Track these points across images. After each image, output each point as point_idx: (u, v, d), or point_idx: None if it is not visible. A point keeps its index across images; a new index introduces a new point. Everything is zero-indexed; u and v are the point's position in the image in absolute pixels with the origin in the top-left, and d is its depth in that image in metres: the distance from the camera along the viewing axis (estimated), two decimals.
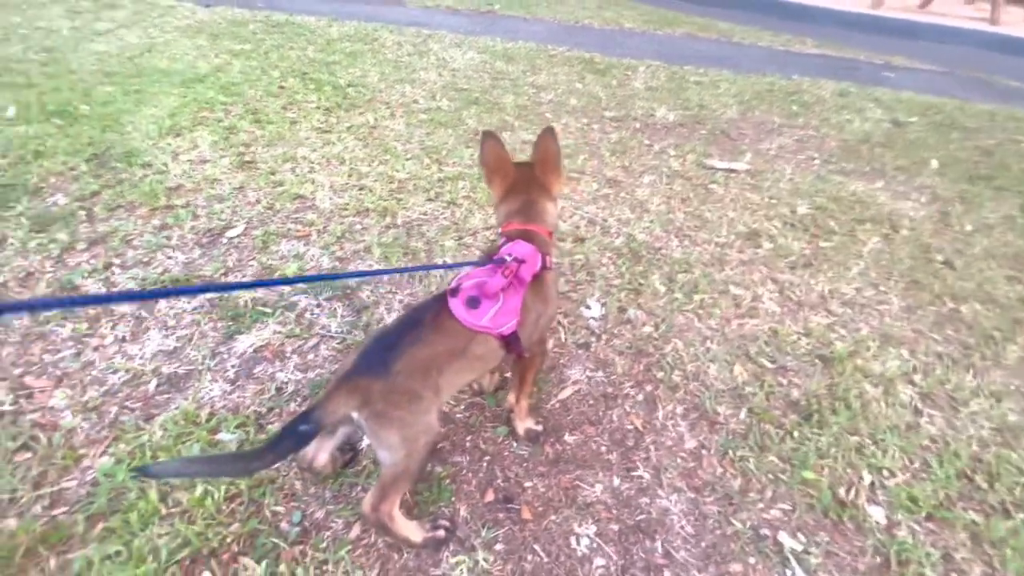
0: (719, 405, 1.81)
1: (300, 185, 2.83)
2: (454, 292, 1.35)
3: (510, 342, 1.41)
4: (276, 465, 1.45)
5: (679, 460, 1.64)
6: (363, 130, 3.53)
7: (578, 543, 1.41)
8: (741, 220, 2.88)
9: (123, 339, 1.89)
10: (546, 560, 1.37)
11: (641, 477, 1.59)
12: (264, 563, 1.28)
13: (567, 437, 1.68)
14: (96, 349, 1.85)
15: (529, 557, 1.37)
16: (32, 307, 0.80)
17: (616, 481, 1.57)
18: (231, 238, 2.42)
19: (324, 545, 1.34)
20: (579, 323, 2.11)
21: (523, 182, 1.53)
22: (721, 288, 2.36)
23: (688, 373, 1.92)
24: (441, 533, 1.37)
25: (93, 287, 2.09)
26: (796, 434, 1.73)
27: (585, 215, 2.81)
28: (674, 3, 9.13)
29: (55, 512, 1.37)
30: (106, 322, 1.95)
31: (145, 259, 2.25)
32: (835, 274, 2.52)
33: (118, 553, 1.27)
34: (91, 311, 1.98)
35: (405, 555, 1.34)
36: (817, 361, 2.02)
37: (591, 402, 1.81)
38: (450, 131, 3.63)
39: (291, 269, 2.25)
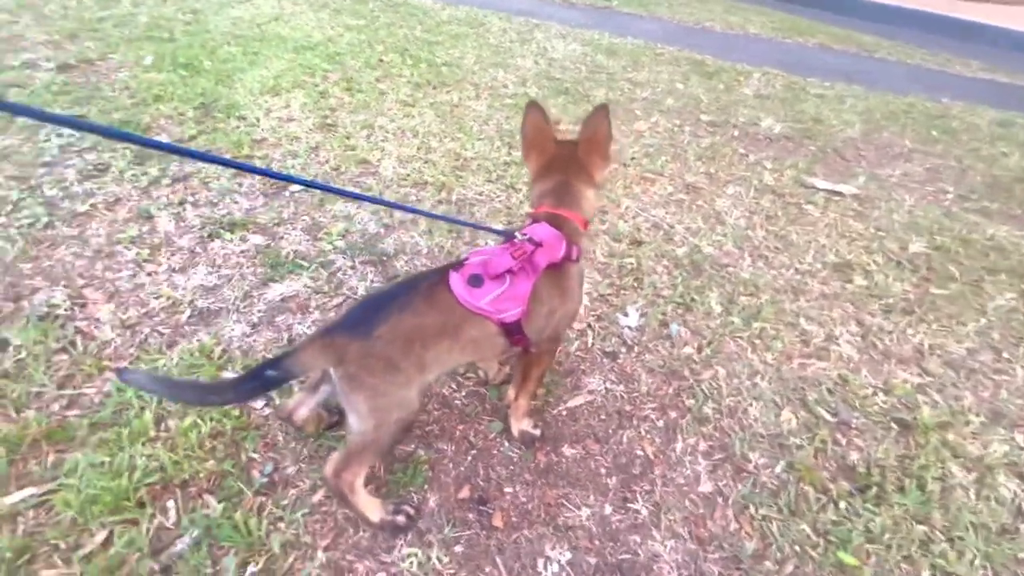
0: (752, 451, 1.55)
1: (369, 152, 2.88)
2: (458, 266, 1.25)
3: (512, 332, 1.28)
4: (234, 404, 1.45)
5: (687, 503, 1.42)
6: (445, 107, 3.54)
7: (546, 567, 1.26)
8: (834, 248, 2.49)
9: (174, 269, 2.01)
10: (505, 574, 1.23)
11: (637, 512, 1.39)
12: (223, 505, 1.27)
13: (565, 449, 1.52)
14: (149, 274, 1.98)
15: (487, 569, 1.24)
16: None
17: (607, 509, 1.39)
18: (293, 192, 2.51)
19: (285, 502, 1.31)
20: (612, 330, 1.92)
21: (562, 161, 1.39)
22: (790, 320, 2.04)
23: (724, 407, 1.67)
24: (401, 519, 1.28)
25: (164, 219, 2.25)
26: (843, 505, 1.43)
27: (651, 218, 2.58)
28: (813, 12, 8.31)
29: (68, 413, 1.46)
30: (166, 252, 2.09)
31: (215, 201, 2.40)
32: (942, 327, 2.09)
33: (102, 463, 1.32)
34: (156, 240, 2.13)
35: (361, 532, 1.28)
36: (893, 425, 1.67)
37: (603, 417, 1.63)
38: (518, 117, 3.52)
39: (337, 228, 2.28)
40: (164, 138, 2.81)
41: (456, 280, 1.22)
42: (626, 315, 1.97)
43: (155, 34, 4.19)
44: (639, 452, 1.53)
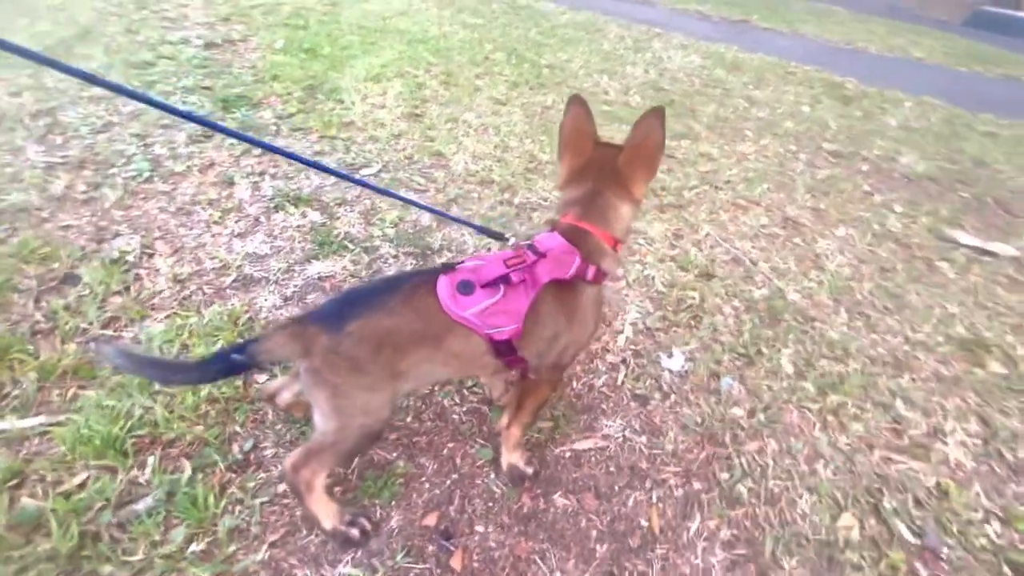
0: (788, 556, 1.23)
1: (446, 144, 2.85)
2: (451, 269, 1.12)
3: (503, 351, 1.13)
4: (197, 384, 1.42)
5: None
6: (535, 109, 3.43)
7: None
8: (967, 320, 1.99)
9: (236, 234, 2.11)
10: None
11: None
12: (193, 473, 1.26)
13: (558, 498, 1.33)
14: (214, 235, 2.09)
15: None
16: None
17: None
18: (362, 175, 2.54)
19: (251, 485, 1.27)
20: (649, 370, 1.67)
21: (597, 167, 1.20)
22: (882, 400, 1.64)
23: (764, 492, 1.36)
24: (355, 533, 1.18)
25: (243, 187, 2.38)
26: None
27: (732, 251, 2.25)
28: (1005, 40, 7.02)
29: None
30: (235, 216, 2.20)
31: (291, 176, 2.50)
32: None
33: (108, 407, 1.38)
34: (229, 205, 2.25)
35: (312, 536, 1.19)
36: (1006, 571, 1.25)
37: (611, 469, 1.40)
38: (624, 128, 3.29)
39: (392, 216, 2.26)
40: (267, 112, 3.01)
41: (444, 284, 1.09)
42: (670, 356, 1.70)
43: (292, 22, 4.57)
44: (643, 522, 1.29)
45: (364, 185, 1.31)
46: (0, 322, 1.59)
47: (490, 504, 1.30)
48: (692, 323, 1.86)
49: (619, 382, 1.63)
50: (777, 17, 7.32)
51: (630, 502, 1.33)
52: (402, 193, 2.43)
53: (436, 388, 1.55)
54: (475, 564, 1.18)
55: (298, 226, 2.18)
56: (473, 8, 5.75)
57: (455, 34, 4.76)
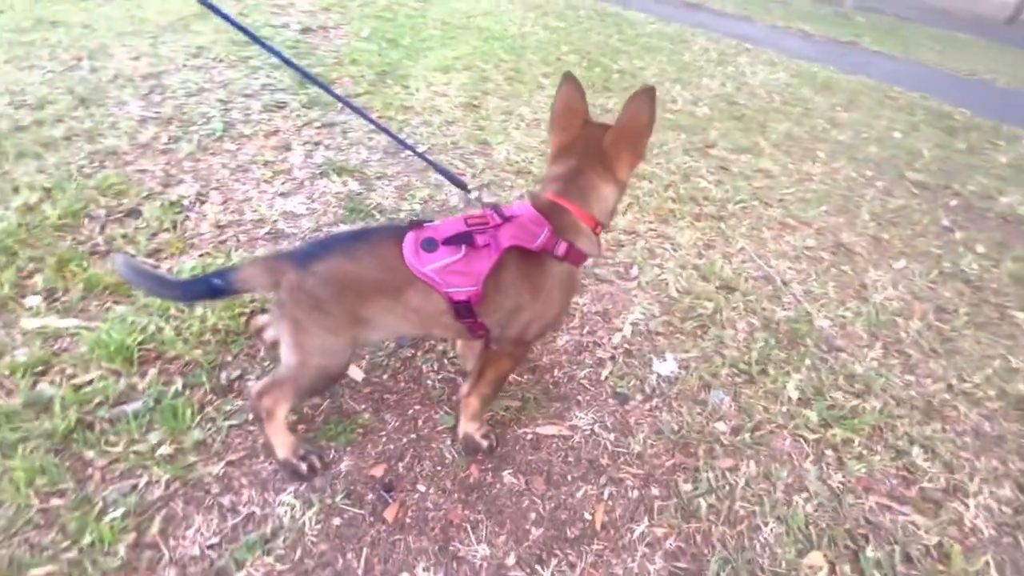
0: None
1: (494, 135, 2.91)
2: (418, 225, 1.15)
3: (463, 313, 1.14)
4: (180, 301, 1.55)
5: None
6: (595, 110, 3.39)
7: None
8: None
9: (280, 193, 2.29)
10: (359, 571, 1.10)
11: None
12: (182, 389, 1.38)
13: (507, 475, 1.31)
14: (261, 192, 2.28)
15: (348, 556, 1.12)
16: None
17: (510, 560, 1.15)
18: (407, 156, 2.66)
19: (227, 408, 1.37)
20: (637, 371, 1.60)
21: (582, 145, 1.19)
22: (897, 444, 1.46)
23: (725, 512, 1.26)
24: (303, 467, 1.24)
25: (297, 153, 2.57)
26: None
27: (764, 268, 2.11)
28: None
29: None
30: (283, 178, 2.39)
31: (343, 148, 2.66)
32: None
33: (132, 322, 1.54)
34: (282, 167, 2.44)
35: (267, 463, 1.27)
36: None
37: (570, 459, 1.36)
38: (683, 136, 3.19)
39: (423, 193, 2.35)
40: (338, 91, 3.22)
41: (410, 239, 1.12)
42: (663, 360, 1.63)
43: (384, 15, 4.86)
44: (587, 515, 1.24)
45: (340, 99, 1.29)
46: (69, 239, 1.84)
47: (438, 468, 1.31)
48: (698, 332, 1.76)
49: (602, 377, 1.58)
50: (892, 40, 6.74)
51: (579, 494, 1.28)
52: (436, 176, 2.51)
53: (417, 352, 1.59)
54: (407, 519, 1.20)
55: (336, 193, 2.32)
56: (559, 12, 5.81)
57: (534, 34, 4.84)
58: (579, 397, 1.52)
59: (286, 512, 1.17)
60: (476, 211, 1.18)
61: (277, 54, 1.22)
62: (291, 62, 1.24)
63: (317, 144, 2.67)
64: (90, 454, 1.22)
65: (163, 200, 2.10)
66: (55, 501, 1.13)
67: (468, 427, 1.33)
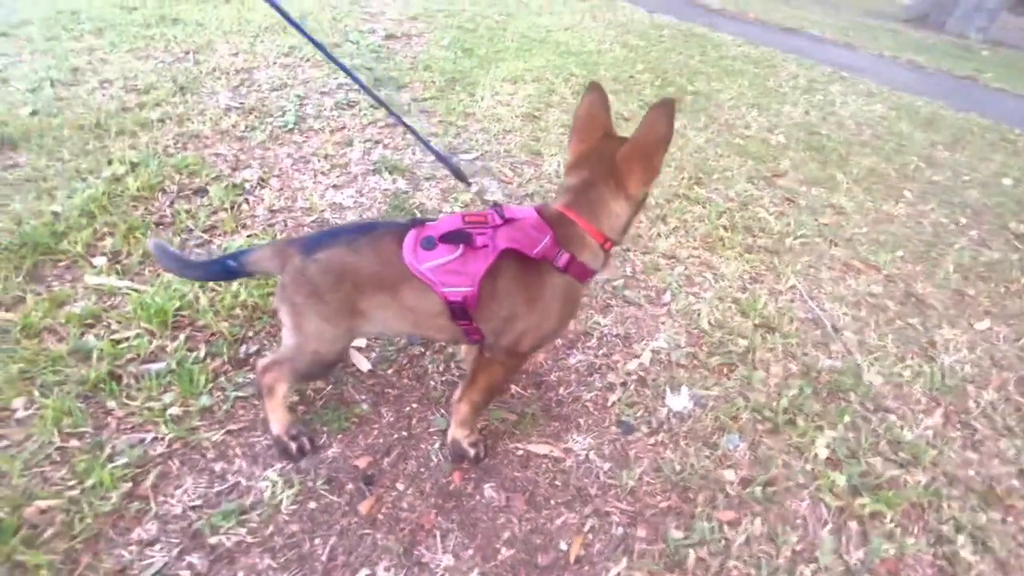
0: None
1: (548, 146, 2.90)
2: (420, 224, 1.16)
3: (458, 315, 1.13)
4: (200, 280, 1.64)
5: None
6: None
7: None
8: None
9: (334, 185, 2.41)
10: (323, 558, 1.11)
11: None
12: (202, 356, 1.47)
13: (488, 489, 1.27)
14: (316, 183, 2.41)
15: (315, 542, 1.13)
16: None
17: (473, 575, 1.11)
18: (465, 159, 2.71)
19: (239, 380, 1.44)
20: (648, 402, 1.51)
21: (596, 157, 1.15)
22: (939, 530, 1.27)
23: (715, 568, 1.14)
24: (293, 447, 1.27)
25: (357, 150, 2.70)
26: None
27: (815, 311, 1.93)
28: None
29: (193, 251, 1.90)
30: (339, 171, 2.51)
31: (400, 149, 2.76)
32: None
33: (175, 290, 1.67)
34: (340, 162, 2.57)
35: (262, 438, 1.31)
36: None
37: (557, 482, 1.30)
38: (750, 164, 3.02)
39: (465, 197, 2.37)
40: (407, 94, 3.36)
41: (410, 237, 1.12)
42: (677, 393, 1.52)
43: (466, 25, 5.02)
44: (563, 545, 1.17)
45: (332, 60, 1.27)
46: (141, 209, 2.03)
47: (422, 469, 1.30)
48: (724, 370, 1.64)
49: (609, 403, 1.50)
50: (1020, 79, 6.02)
51: (559, 521, 1.22)
52: (484, 180, 2.53)
53: (426, 352, 1.60)
54: (380, 515, 1.19)
55: (384, 189, 2.41)
56: (642, 31, 5.73)
57: (611, 51, 4.80)
58: (580, 420, 1.45)
59: (267, 488, 1.21)
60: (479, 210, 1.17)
61: (305, 34, 1.22)
62: (314, 40, 1.22)
63: (377, 143, 2.78)
64: (112, 404, 1.33)
65: (229, 182, 2.27)
66: (73, 442, 1.24)
67: (457, 432, 1.31)
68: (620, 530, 1.21)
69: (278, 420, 1.28)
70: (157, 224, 1.98)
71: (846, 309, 1.96)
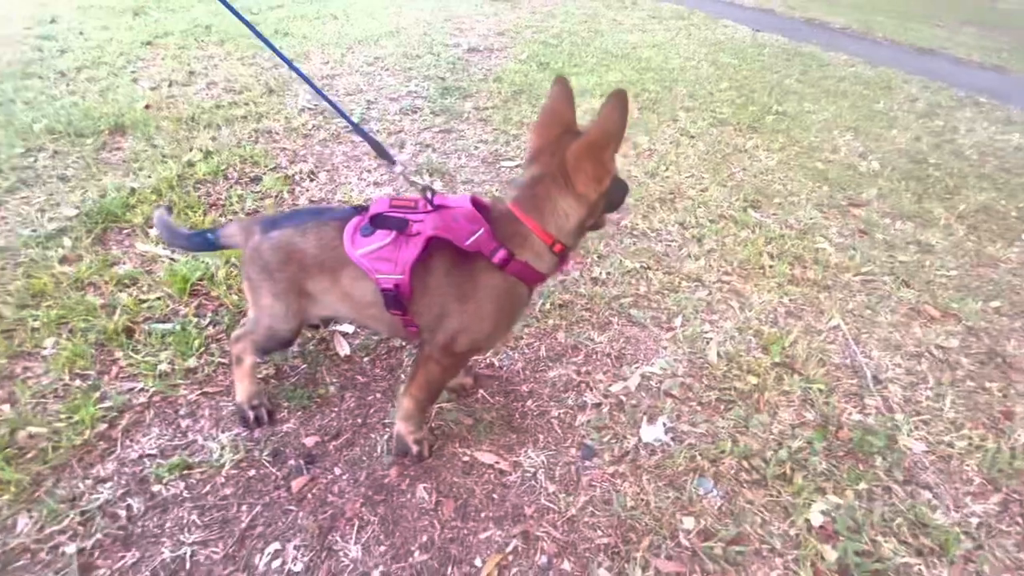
0: None
1: None
2: (365, 208, 1.15)
3: (391, 304, 1.12)
4: (187, 250, 1.75)
5: None
6: (724, 148, 3.08)
7: (273, 558, 1.09)
8: None
9: (374, 183, 2.52)
10: (243, 525, 1.13)
11: None
12: (205, 324, 1.60)
13: (421, 487, 1.23)
14: (359, 179, 2.54)
15: (240, 509, 1.16)
16: None
17: (375, 573, 1.07)
18: (506, 166, 2.72)
19: (227, 349, 1.53)
20: (618, 428, 1.38)
21: (550, 153, 1.08)
22: None
23: None
24: (250, 416, 1.33)
25: (408, 151, 2.82)
26: None
27: (856, 357, 1.65)
28: None
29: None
30: (382, 171, 2.63)
31: (448, 153, 2.83)
32: None
33: (201, 262, 1.84)
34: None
35: (229, 405, 1.39)
36: None
37: (494, 496, 1.22)
38: (824, 189, 2.70)
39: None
40: (471, 103, 3.45)
41: (353, 222, 1.13)
42: (652, 423, 1.37)
43: (551, 41, 5.08)
44: (478, 562, 1.10)
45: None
46: (202, 191, 2.27)
47: (363, 458, 1.29)
48: (720, 407, 1.45)
49: (577, 422, 1.40)
50: None
51: (483, 535, 1.14)
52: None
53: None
54: (307, 496, 1.20)
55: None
56: (738, 49, 5.41)
57: (696, 68, 4.58)
58: (540, 435, 1.36)
59: (214, 450, 1.27)
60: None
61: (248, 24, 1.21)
62: (255, 28, 1.20)
63: (427, 147, 2.88)
64: (118, 354, 1.48)
65: (283, 173, 2.48)
66: (77, 382, 1.39)
67: (401, 427, 1.29)
68: (543, 559, 1.10)
69: (243, 389, 1.35)
70: (211, 206, 2.20)
71: (899, 360, 1.66)
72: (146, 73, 3.44)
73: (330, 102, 1.26)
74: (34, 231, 1.90)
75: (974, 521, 1.22)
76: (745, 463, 1.30)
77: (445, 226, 1.05)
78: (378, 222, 1.08)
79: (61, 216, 2.00)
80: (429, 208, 1.08)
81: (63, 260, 1.79)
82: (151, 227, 1.96)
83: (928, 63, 5.95)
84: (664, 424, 1.36)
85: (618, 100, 0.96)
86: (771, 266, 2.04)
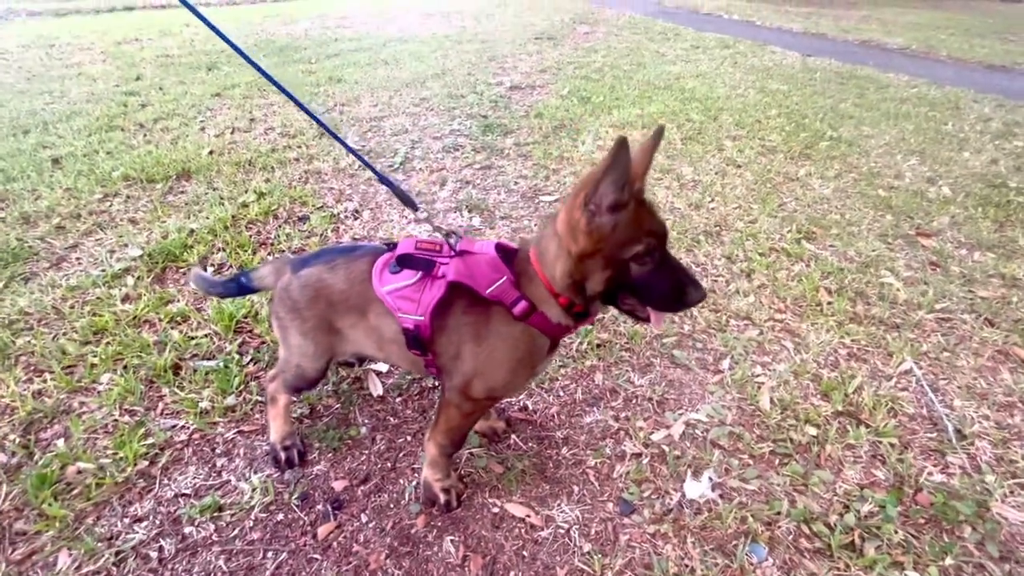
0: None
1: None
2: (395, 248, 1.14)
3: (412, 344, 1.09)
4: (222, 296, 1.73)
5: None
6: (773, 177, 2.95)
7: None
8: None
9: (414, 219, 2.57)
10: (268, 573, 1.11)
11: None
12: (246, 361, 1.64)
13: (448, 540, 1.18)
14: (402, 216, 2.60)
15: (268, 555, 1.15)
16: None
17: None
18: (545, 201, 2.71)
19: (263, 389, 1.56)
20: (660, 482, 1.28)
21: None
22: None
23: None
24: (282, 457, 1.33)
25: (449, 188, 2.86)
26: None
27: (933, 406, 1.48)
28: None
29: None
30: (425, 209, 2.68)
31: (487, 189, 2.85)
32: None
33: (247, 300, 1.90)
34: (431, 198, 2.75)
35: (263, 444, 1.39)
36: None
37: (524, 553, 1.15)
38: (888, 219, 2.52)
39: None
40: (511, 139, 3.49)
41: (382, 260, 1.13)
42: (697, 478, 1.26)
43: (593, 76, 5.13)
44: None
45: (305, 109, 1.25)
46: (255, 230, 2.38)
47: (390, 506, 1.25)
48: (774, 461, 1.32)
49: (615, 474, 1.30)
50: None
51: None
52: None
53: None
54: (333, 544, 1.17)
55: (459, 225, 2.50)
56: (788, 75, 5.26)
57: (742, 96, 4.48)
58: (575, 487, 1.28)
59: (247, 491, 1.27)
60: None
61: (240, 51, 1.16)
62: (247, 55, 1.16)
63: (468, 183, 2.92)
64: (164, 391, 1.54)
65: (329, 212, 2.57)
66: (125, 418, 1.45)
67: (428, 473, 1.24)
68: None
69: (276, 429, 1.35)
70: (260, 244, 2.30)
71: (986, 411, 1.47)
72: (213, 122, 3.72)
73: (353, 152, 1.28)
74: (103, 271, 2.04)
75: None
76: (805, 528, 1.16)
77: (468, 272, 1.02)
78: (406, 262, 1.07)
79: (127, 256, 2.14)
80: (452, 253, 1.06)
81: (125, 299, 1.90)
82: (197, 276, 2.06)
83: (1000, 80, 5.57)
84: (711, 479, 1.25)
85: (618, 145, 0.83)
86: (829, 303, 1.89)
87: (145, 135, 3.46)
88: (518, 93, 4.55)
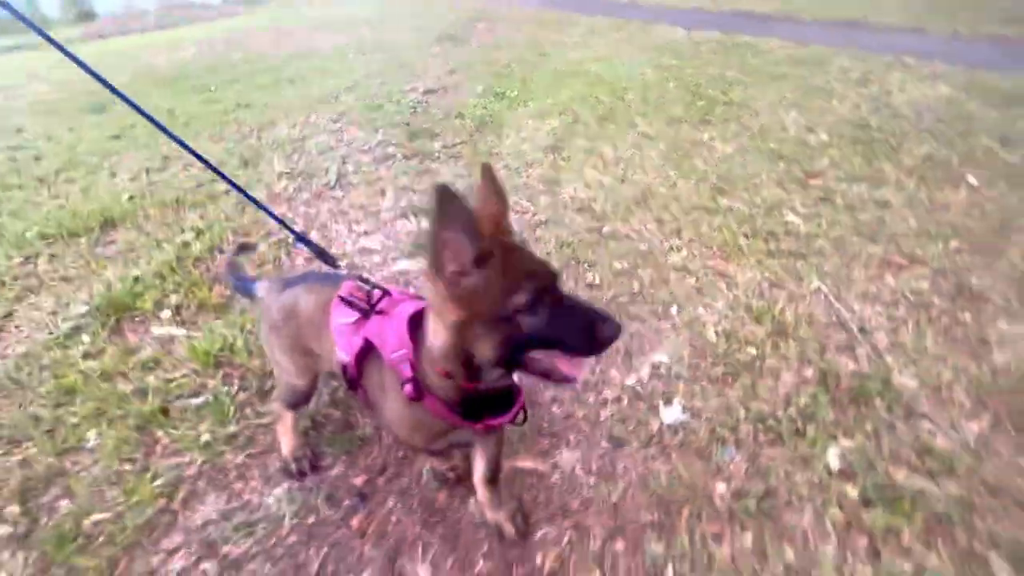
0: None
1: (567, 174, 2.98)
2: (363, 279, 1.12)
3: (346, 376, 1.10)
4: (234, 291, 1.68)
5: None
6: (684, 145, 3.27)
7: None
8: None
9: (364, 232, 2.64)
10: (315, 566, 1.20)
11: None
12: (235, 391, 1.68)
13: (472, 503, 1.32)
14: (350, 231, 2.65)
15: (309, 552, 1.24)
16: None
17: None
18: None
19: (261, 410, 1.61)
20: (642, 416, 1.49)
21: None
22: (970, 546, 1.12)
23: None
24: (294, 468, 1.41)
25: (390, 196, 2.94)
26: None
27: (840, 313, 1.79)
28: None
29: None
30: (371, 220, 2.74)
31: (429, 189, 2.97)
32: None
33: (221, 335, 1.92)
34: (373, 209, 2.81)
35: (277, 461, 1.46)
36: None
37: (540, 498, 1.31)
38: (781, 167, 2.90)
39: None
40: (439, 142, 3.61)
41: (344, 289, 1.11)
42: (670, 406, 1.48)
43: (502, 71, 5.31)
44: (538, 560, 1.18)
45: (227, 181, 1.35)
46: (202, 267, 2.35)
47: (412, 486, 1.37)
48: (728, 380, 1.57)
49: (602, 418, 1.50)
50: None
51: (538, 535, 1.23)
52: None
53: None
54: (368, 530, 1.28)
55: (409, 231, 2.60)
56: (677, 50, 5.72)
57: (643, 75, 4.84)
58: (570, 436, 1.46)
59: (274, 503, 1.34)
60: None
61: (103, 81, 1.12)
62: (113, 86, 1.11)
63: (407, 189, 3.01)
64: (159, 433, 1.55)
65: (275, 238, 2.58)
66: (126, 466, 1.46)
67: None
68: (597, 544, 1.19)
69: (286, 443, 1.43)
70: (214, 280, 2.29)
71: (880, 309, 1.81)
72: (122, 166, 3.54)
73: (269, 212, 1.27)
74: (51, 333, 1.97)
75: (971, 439, 1.35)
76: (760, 426, 1.42)
77: (379, 333, 1.00)
78: (347, 302, 1.08)
79: (73, 315, 2.07)
80: (376, 294, 1.08)
81: (86, 356, 1.85)
82: (163, 310, 2.04)
83: (855, 34, 6.34)
84: (681, 404, 1.48)
85: (486, 175, 0.87)
86: (748, 245, 2.19)
87: (49, 189, 3.24)
88: (434, 96, 4.65)
